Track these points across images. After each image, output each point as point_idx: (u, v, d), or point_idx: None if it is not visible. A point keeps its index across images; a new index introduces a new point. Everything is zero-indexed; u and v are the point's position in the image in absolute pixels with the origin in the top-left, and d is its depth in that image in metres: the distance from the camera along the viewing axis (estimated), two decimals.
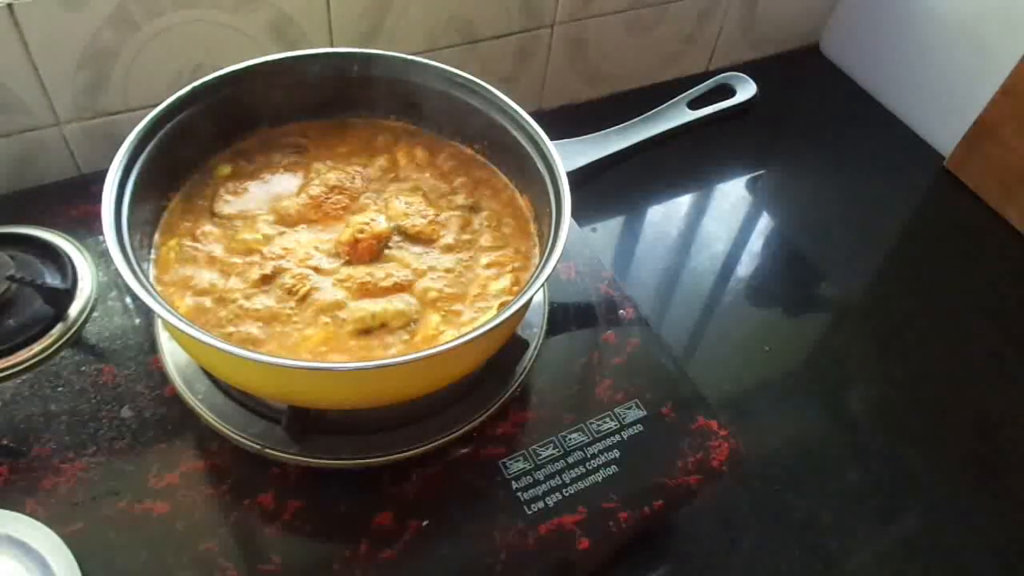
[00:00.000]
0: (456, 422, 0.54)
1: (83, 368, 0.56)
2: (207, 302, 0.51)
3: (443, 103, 0.60)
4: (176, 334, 0.51)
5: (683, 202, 0.90)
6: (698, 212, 0.88)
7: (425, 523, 0.51)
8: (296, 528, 0.50)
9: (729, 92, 0.64)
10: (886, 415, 0.72)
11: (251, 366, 0.45)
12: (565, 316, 0.64)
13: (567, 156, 0.57)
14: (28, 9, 0.61)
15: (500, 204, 0.60)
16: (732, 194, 0.91)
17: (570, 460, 0.55)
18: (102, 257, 0.62)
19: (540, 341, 0.59)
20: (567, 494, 0.53)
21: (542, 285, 0.48)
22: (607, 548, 0.52)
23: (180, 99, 0.54)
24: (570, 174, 0.54)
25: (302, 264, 0.53)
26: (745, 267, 0.83)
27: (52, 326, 0.57)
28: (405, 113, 0.63)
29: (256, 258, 0.53)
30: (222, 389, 0.54)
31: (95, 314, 0.59)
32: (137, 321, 0.59)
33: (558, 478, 0.54)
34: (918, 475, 0.68)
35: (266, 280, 0.52)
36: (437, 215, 0.58)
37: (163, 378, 0.55)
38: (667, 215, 0.87)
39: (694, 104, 0.63)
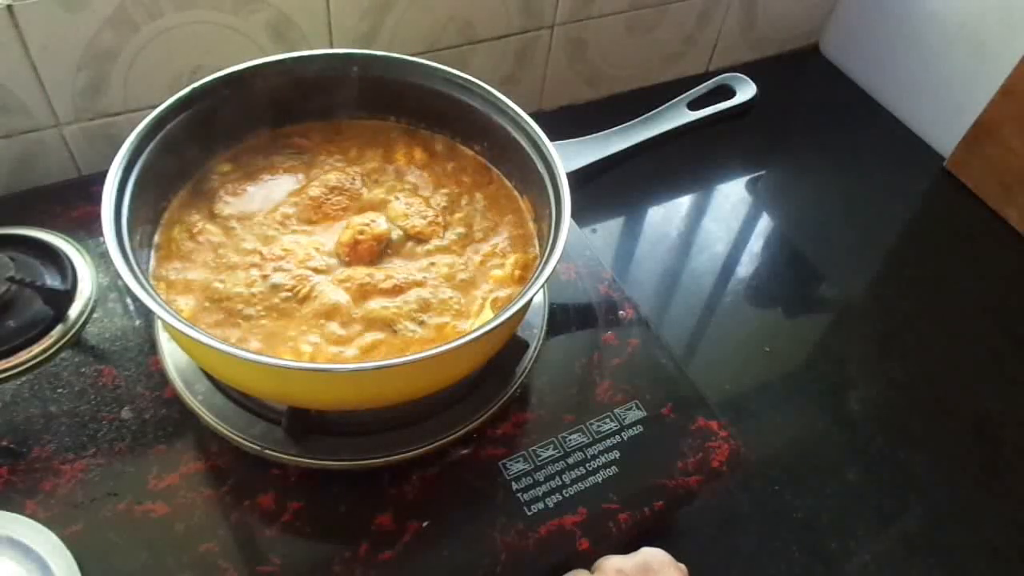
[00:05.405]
0: (456, 423, 0.54)
1: (83, 369, 0.56)
2: (207, 303, 0.51)
3: (443, 104, 0.60)
4: (176, 335, 0.51)
5: (683, 202, 0.90)
6: (698, 212, 0.88)
7: (425, 524, 0.51)
8: (296, 529, 0.50)
9: (729, 93, 0.63)
10: (886, 415, 0.72)
11: (251, 367, 0.45)
12: (565, 317, 0.64)
13: (567, 157, 0.57)
14: (28, 10, 0.61)
15: (500, 205, 0.60)
16: (732, 194, 0.91)
17: (570, 461, 0.55)
18: (102, 258, 0.62)
19: (540, 342, 0.59)
20: (567, 495, 0.53)
21: (542, 286, 0.48)
22: (607, 549, 0.52)
23: (180, 100, 0.54)
24: (570, 175, 0.54)
25: (302, 265, 0.53)
26: (745, 267, 0.83)
27: (52, 327, 0.57)
28: (405, 114, 0.63)
29: (256, 259, 0.53)
30: (222, 390, 0.54)
31: (95, 315, 0.59)
32: (137, 322, 0.59)
33: (558, 479, 0.54)
34: (918, 475, 0.68)
35: (266, 281, 0.52)
36: (437, 216, 0.58)
37: (163, 379, 0.55)
38: (667, 215, 0.87)
39: (694, 105, 0.63)
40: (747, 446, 0.58)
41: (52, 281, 0.60)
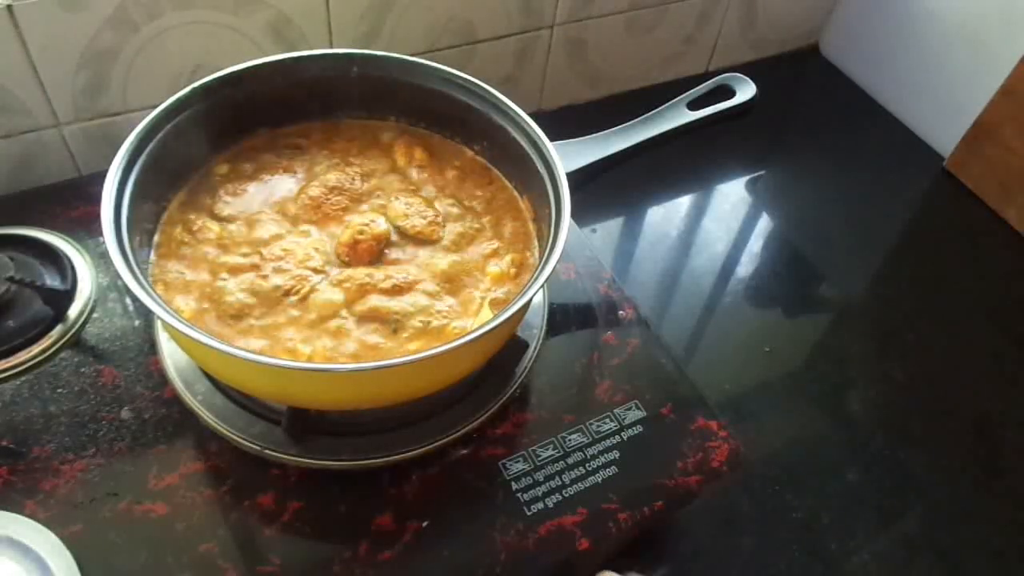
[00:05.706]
0: (456, 423, 0.54)
1: (83, 369, 0.56)
2: (206, 303, 0.51)
3: (443, 104, 0.60)
4: (175, 335, 0.51)
5: (683, 202, 0.89)
6: (698, 212, 0.88)
7: (425, 524, 0.51)
8: (296, 529, 0.50)
9: (729, 93, 0.64)
10: (886, 415, 0.72)
11: (250, 367, 0.45)
12: (565, 317, 0.64)
13: (567, 157, 0.57)
14: (28, 10, 0.61)
15: (500, 205, 0.60)
16: (732, 194, 0.91)
17: (570, 461, 0.55)
18: (102, 258, 0.62)
19: (540, 342, 0.59)
20: (567, 495, 0.53)
21: (542, 286, 0.48)
22: (607, 549, 0.52)
23: (179, 100, 0.54)
24: (570, 175, 0.54)
25: (301, 265, 0.53)
26: (745, 267, 0.83)
27: (52, 327, 0.57)
28: (405, 114, 0.63)
29: (256, 259, 0.53)
30: (222, 390, 0.54)
31: (95, 315, 0.59)
32: (136, 322, 0.59)
33: (558, 479, 0.54)
34: (918, 475, 0.68)
35: (266, 281, 0.52)
36: (436, 216, 0.58)
37: (163, 379, 0.55)
38: (667, 215, 0.87)
39: (694, 105, 0.63)
40: (747, 446, 0.58)
41: (52, 281, 0.60)
